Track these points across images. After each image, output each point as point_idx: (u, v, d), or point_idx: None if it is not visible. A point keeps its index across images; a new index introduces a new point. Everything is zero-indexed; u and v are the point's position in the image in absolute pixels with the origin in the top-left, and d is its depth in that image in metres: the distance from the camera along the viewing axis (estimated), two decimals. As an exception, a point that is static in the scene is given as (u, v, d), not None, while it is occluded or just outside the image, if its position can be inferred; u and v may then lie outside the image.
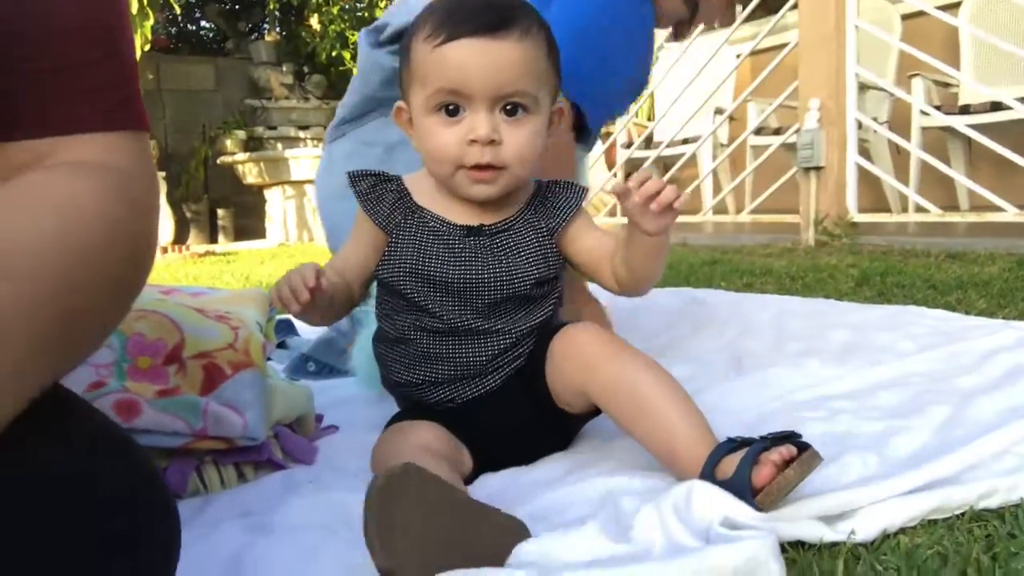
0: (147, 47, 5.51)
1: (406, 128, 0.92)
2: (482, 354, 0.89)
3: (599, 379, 0.81)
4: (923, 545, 0.64)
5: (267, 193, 6.35)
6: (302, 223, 6.23)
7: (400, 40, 1.16)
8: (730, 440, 0.73)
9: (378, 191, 0.91)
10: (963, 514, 0.69)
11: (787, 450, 0.67)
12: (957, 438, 0.85)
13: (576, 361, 0.84)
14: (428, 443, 0.84)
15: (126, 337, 0.89)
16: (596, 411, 0.89)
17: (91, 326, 0.48)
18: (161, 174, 5.90)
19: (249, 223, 6.76)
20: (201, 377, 0.89)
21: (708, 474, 0.71)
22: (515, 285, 0.88)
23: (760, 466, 0.67)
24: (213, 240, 6.63)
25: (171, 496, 0.50)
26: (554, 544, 0.66)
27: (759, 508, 0.66)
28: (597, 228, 0.95)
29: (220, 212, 6.68)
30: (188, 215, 6.57)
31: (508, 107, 0.84)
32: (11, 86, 0.50)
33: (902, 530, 0.67)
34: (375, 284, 0.94)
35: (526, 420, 0.90)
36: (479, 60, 0.82)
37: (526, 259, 0.90)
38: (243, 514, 0.80)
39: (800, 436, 0.71)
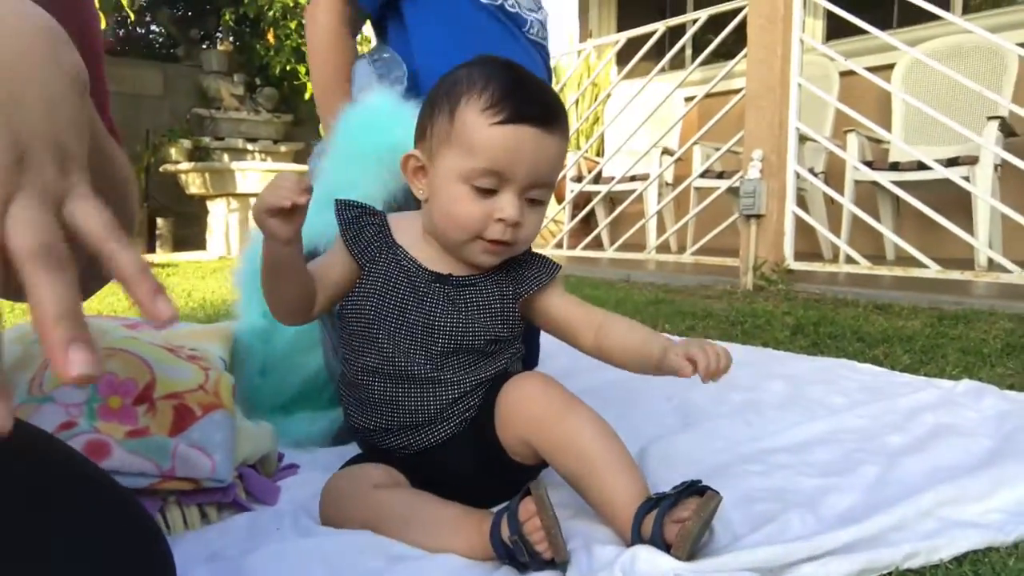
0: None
1: (412, 177, 0.93)
2: (432, 403, 0.92)
3: (546, 437, 0.85)
4: (855, 604, 0.70)
5: (210, 204, 6.23)
6: (245, 236, 6.13)
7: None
8: (648, 500, 0.79)
9: (361, 223, 0.94)
10: (889, 574, 0.75)
11: (685, 506, 0.76)
12: (885, 498, 0.93)
13: (523, 416, 0.87)
14: (376, 480, 0.89)
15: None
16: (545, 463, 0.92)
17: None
18: (100, 180, 5.75)
19: (189, 233, 6.61)
20: (171, 418, 0.90)
21: (635, 535, 0.77)
22: (469, 338, 0.91)
23: (666, 525, 0.75)
24: (151, 249, 6.46)
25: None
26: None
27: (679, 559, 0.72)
28: (568, 298, 0.98)
29: (159, 221, 6.51)
30: (126, 222, 6.38)
31: (533, 195, 0.88)
32: None
33: (835, 589, 0.73)
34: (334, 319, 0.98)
35: (477, 470, 0.92)
36: (531, 148, 0.85)
37: (486, 316, 0.93)
38: (210, 557, 0.82)
39: (699, 482, 0.80)
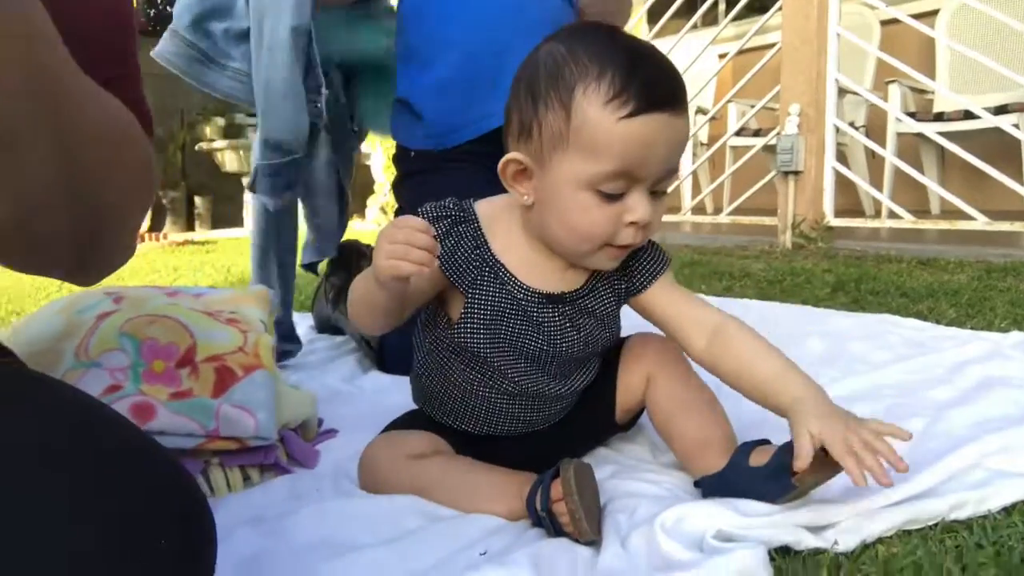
0: (126, 30, 5.44)
1: (512, 183, 0.79)
2: (549, 414, 0.91)
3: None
4: (899, 555, 0.69)
5: (246, 181, 6.32)
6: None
7: None
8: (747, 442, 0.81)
9: (452, 238, 0.81)
10: (936, 525, 0.74)
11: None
12: (931, 450, 0.90)
13: (655, 347, 0.90)
14: (415, 449, 0.88)
15: (140, 341, 0.91)
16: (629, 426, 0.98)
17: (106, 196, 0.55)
18: (139, 159, 5.86)
19: (226, 211, 6.71)
20: (213, 379, 0.92)
21: (740, 461, 0.78)
22: (590, 348, 0.87)
23: (798, 457, 0.69)
24: (190, 228, 6.57)
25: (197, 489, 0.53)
26: (554, 549, 0.71)
27: (793, 487, 0.71)
28: (678, 293, 0.87)
29: (197, 200, 6.62)
30: (164, 202, 6.50)
31: (661, 186, 0.77)
32: None
33: (880, 540, 0.72)
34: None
35: (563, 447, 0.90)
36: (665, 138, 0.73)
37: (605, 324, 0.87)
38: (252, 519, 0.83)
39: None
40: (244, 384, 0.92)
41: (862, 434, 0.68)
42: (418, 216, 0.81)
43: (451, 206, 0.83)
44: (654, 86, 0.72)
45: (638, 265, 0.85)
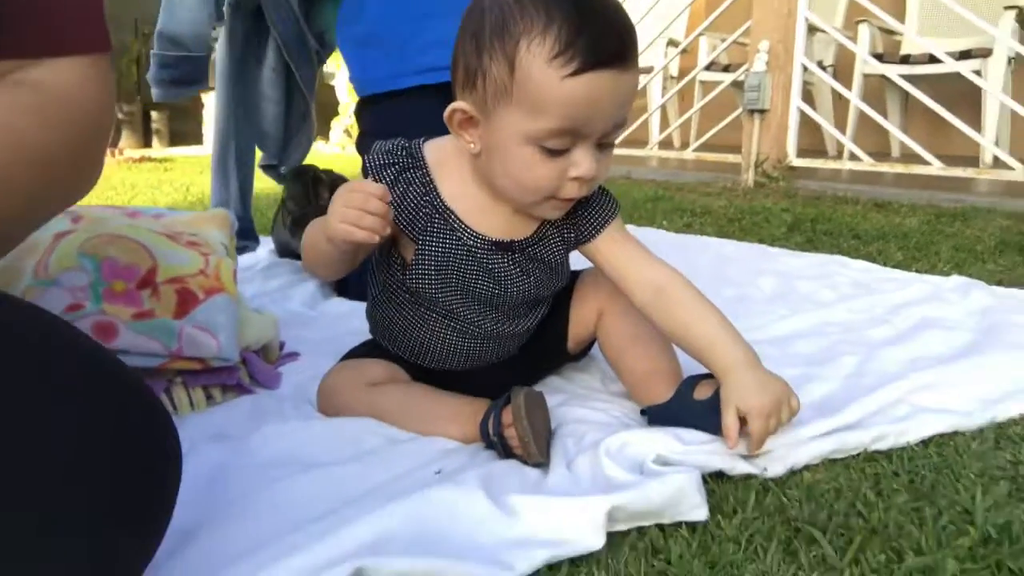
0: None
1: (458, 130, 0.78)
2: (499, 351, 0.94)
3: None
4: (822, 481, 0.74)
5: (204, 97, 6.10)
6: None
7: None
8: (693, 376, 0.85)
9: (401, 184, 0.82)
10: (859, 455, 0.80)
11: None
12: (862, 386, 0.97)
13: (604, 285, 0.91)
14: (372, 377, 0.91)
15: (99, 260, 0.91)
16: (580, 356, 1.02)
17: None
18: (91, 70, 5.61)
19: (185, 127, 6.50)
20: (175, 301, 0.93)
21: (685, 393, 0.83)
22: (540, 292, 0.89)
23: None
24: (147, 144, 6.38)
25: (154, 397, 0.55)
26: (505, 469, 0.76)
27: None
28: (624, 243, 0.87)
29: (154, 115, 6.40)
30: (120, 116, 6.27)
31: (607, 139, 0.76)
32: None
33: (807, 468, 0.77)
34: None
35: (516, 375, 0.93)
36: (610, 94, 0.71)
37: (554, 270, 0.88)
38: (215, 436, 0.86)
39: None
40: (206, 306, 0.94)
41: (772, 412, 0.75)
42: (367, 161, 0.83)
43: (399, 151, 0.83)
44: (601, 42, 0.69)
45: (586, 214, 0.85)
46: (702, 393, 0.82)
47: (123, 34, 6.35)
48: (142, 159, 4.91)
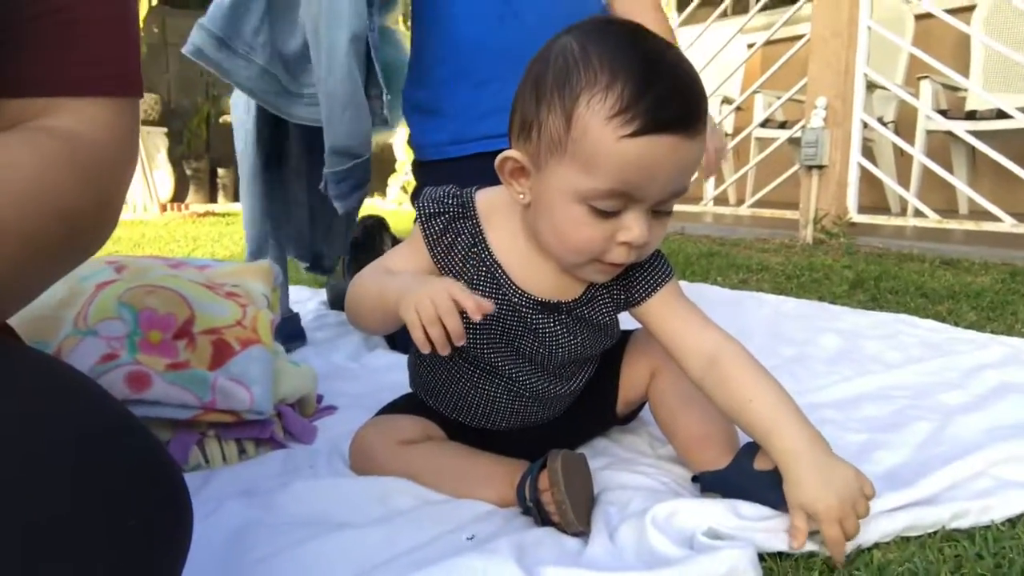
0: (154, 1, 5.46)
1: (509, 179, 0.75)
2: (552, 411, 0.90)
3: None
4: (894, 561, 0.67)
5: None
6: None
7: None
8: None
9: (450, 235, 0.79)
10: (935, 533, 0.72)
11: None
12: (937, 456, 0.88)
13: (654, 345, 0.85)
14: (406, 435, 0.88)
15: (138, 311, 0.91)
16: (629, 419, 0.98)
17: (8, 282, 0.50)
18: (162, 130, 5.86)
19: (249, 183, 6.71)
20: (210, 352, 0.92)
21: (744, 461, 0.77)
22: (586, 352, 0.86)
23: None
24: (212, 199, 6.61)
25: (170, 459, 0.51)
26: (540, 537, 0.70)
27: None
28: (678, 309, 0.81)
29: (220, 171, 6.65)
30: (188, 173, 6.53)
31: (663, 207, 0.72)
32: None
33: (876, 545, 0.70)
34: None
35: (559, 436, 0.89)
36: (670, 162, 0.67)
37: (603, 332, 0.85)
38: (245, 492, 0.83)
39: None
40: (241, 358, 0.92)
41: (843, 515, 0.67)
42: (417, 207, 0.80)
43: (450, 200, 0.80)
44: (665, 105, 0.65)
45: (639, 275, 0.81)
46: (764, 464, 0.75)
47: (195, 95, 6.66)
48: (206, 214, 5.08)
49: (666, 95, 0.66)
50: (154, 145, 5.60)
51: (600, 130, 0.66)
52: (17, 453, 0.42)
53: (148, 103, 6.00)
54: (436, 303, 0.65)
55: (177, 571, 0.48)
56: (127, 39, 0.59)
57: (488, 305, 0.65)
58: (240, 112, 1.57)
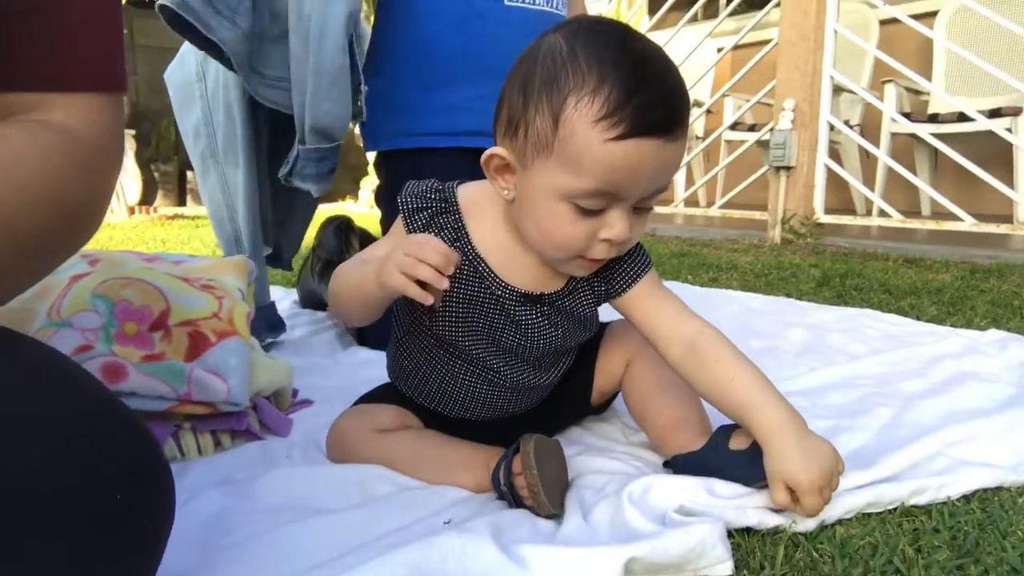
0: (123, 2, 5.41)
1: (494, 175, 0.76)
2: (524, 402, 0.91)
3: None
4: (856, 536, 0.69)
5: (240, 157, 6.26)
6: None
7: None
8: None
9: (433, 230, 0.80)
10: (895, 509, 0.75)
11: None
12: (898, 438, 0.92)
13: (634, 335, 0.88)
14: (382, 423, 0.89)
15: (113, 303, 0.91)
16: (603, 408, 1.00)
17: (11, 272, 0.50)
18: (131, 132, 5.78)
19: (220, 186, 6.63)
20: (186, 344, 0.92)
21: (720, 442, 0.79)
22: (567, 343, 0.87)
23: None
24: (182, 203, 6.54)
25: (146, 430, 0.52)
26: (516, 518, 0.72)
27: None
28: (657, 298, 0.83)
29: (190, 175, 6.57)
30: (156, 176, 6.45)
31: (645, 204, 0.74)
32: None
33: (839, 521, 0.72)
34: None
35: (534, 425, 0.90)
36: (652, 163, 0.69)
37: (583, 323, 0.86)
38: (222, 481, 0.84)
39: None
40: (217, 350, 0.92)
41: (823, 485, 0.70)
42: (400, 203, 0.81)
43: (432, 195, 0.81)
44: (651, 109, 0.67)
45: (619, 267, 0.83)
46: (739, 443, 0.78)
47: (164, 97, 6.57)
48: (175, 216, 5.03)
49: (652, 100, 0.67)
50: (122, 147, 5.51)
51: (587, 133, 0.67)
52: (3, 430, 0.43)
53: (116, 105, 5.90)
54: (409, 252, 0.70)
55: (163, 539, 0.50)
56: (113, 34, 0.59)
57: (454, 254, 0.71)
58: (188, 77, 1.51)
